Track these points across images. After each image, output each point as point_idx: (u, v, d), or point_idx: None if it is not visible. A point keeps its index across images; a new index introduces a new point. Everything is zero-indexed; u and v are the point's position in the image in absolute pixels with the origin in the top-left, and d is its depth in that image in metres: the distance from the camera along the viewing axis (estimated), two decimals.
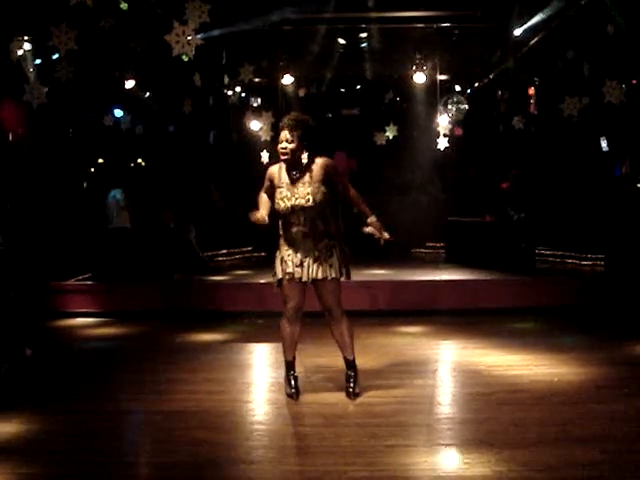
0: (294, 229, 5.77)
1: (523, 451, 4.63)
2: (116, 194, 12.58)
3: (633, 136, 13.88)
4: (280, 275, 5.84)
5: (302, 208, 5.70)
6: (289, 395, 5.95)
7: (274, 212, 5.83)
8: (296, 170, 5.76)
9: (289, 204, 5.71)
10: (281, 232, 5.90)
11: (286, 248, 5.84)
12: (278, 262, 5.88)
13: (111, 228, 12.59)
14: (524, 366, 7.04)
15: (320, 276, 5.79)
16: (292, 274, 5.79)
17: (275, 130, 14.57)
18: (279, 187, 5.79)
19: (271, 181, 5.86)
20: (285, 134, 5.67)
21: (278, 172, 5.83)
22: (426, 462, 4.50)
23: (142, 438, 5.30)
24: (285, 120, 5.76)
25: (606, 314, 9.85)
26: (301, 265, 5.78)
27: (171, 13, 9.34)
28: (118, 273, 11.96)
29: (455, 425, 5.30)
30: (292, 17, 12.36)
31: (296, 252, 5.80)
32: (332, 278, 5.84)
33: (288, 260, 5.81)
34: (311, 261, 5.78)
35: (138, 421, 5.58)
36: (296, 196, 5.71)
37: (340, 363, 6.06)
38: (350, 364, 6.04)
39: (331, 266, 5.82)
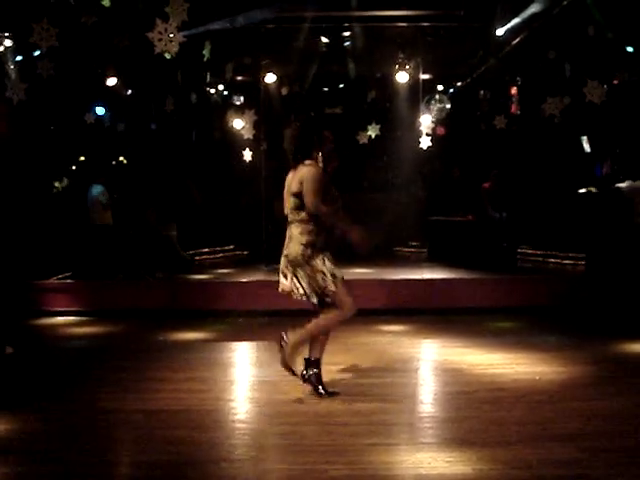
0: (327, 233, 5.78)
1: (504, 449, 4.65)
2: (96, 190, 12.51)
3: (614, 136, 13.97)
4: (339, 273, 5.75)
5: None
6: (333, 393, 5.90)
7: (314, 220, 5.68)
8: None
9: (339, 203, 5.84)
10: (319, 238, 5.73)
11: (325, 252, 5.77)
12: (328, 265, 5.72)
13: (92, 225, 12.51)
14: (505, 365, 7.07)
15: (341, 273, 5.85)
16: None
17: (257, 128, 14.57)
18: (331, 190, 5.86)
19: (323, 182, 5.74)
20: None
21: (323, 175, 5.78)
22: (407, 461, 4.51)
23: (123, 437, 5.28)
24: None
25: (587, 313, 9.92)
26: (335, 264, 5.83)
27: (153, 10, 9.29)
28: (99, 271, 11.91)
29: (436, 424, 5.32)
30: (275, 15, 12.34)
31: (326, 252, 5.81)
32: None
33: (330, 258, 5.80)
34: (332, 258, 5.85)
35: (119, 420, 5.56)
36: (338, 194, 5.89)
37: (322, 361, 6.04)
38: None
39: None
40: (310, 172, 5.64)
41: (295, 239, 5.68)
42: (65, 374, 7.10)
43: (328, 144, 5.93)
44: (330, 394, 5.88)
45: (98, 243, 12.36)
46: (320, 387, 5.91)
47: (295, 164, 5.81)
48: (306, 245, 5.63)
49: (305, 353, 6.00)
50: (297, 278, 5.69)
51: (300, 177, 5.66)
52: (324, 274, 5.64)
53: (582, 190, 12.53)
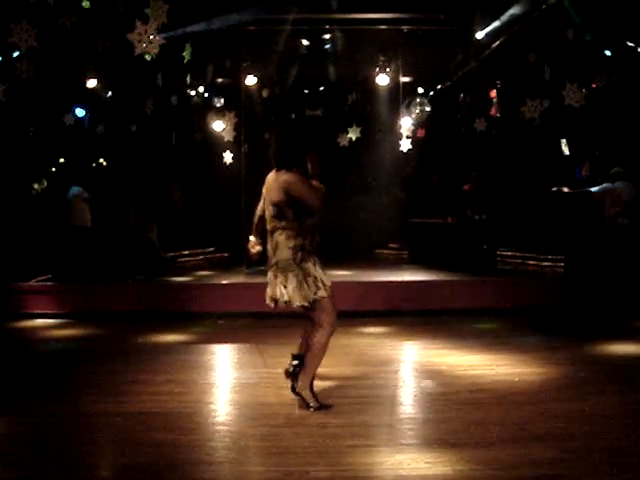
0: (315, 234, 5.72)
1: (484, 450, 4.67)
2: (75, 190, 12.46)
3: (593, 139, 14.06)
4: (329, 281, 5.67)
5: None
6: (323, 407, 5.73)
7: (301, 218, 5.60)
8: None
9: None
10: (307, 240, 5.62)
11: (315, 256, 5.68)
12: (320, 270, 5.64)
13: (71, 226, 12.45)
14: (485, 366, 7.10)
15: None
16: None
17: (238, 131, 14.54)
18: None
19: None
20: None
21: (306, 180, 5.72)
22: (388, 462, 4.52)
23: (103, 440, 5.25)
24: None
25: (566, 315, 9.98)
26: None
27: (134, 12, 9.27)
28: (79, 274, 11.84)
29: (417, 425, 5.34)
30: (256, 17, 12.33)
31: (316, 256, 5.73)
32: None
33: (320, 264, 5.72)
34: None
35: (99, 423, 5.53)
36: None
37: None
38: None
39: None
40: (293, 179, 5.53)
41: (282, 245, 5.56)
42: (44, 377, 7.05)
43: (313, 151, 5.91)
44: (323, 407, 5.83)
45: (77, 244, 12.29)
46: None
47: (279, 169, 5.68)
48: (294, 248, 5.53)
49: (294, 349, 6.00)
50: (285, 283, 5.57)
51: (282, 186, 5.52)
52: (316, 279, 5.57)
53: (554, 189, 12.59)
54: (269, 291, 5.73)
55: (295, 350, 6.10)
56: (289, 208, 5.52)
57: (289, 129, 5.91)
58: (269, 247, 5.73)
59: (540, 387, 6.28)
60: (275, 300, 5.68)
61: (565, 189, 12.51)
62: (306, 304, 5.59)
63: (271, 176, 5.74)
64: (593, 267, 11.13)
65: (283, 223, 5.58)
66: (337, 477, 4.30)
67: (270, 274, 5.71)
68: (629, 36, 11.92)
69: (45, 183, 14.52)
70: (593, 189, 11.83)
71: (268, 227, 5.70)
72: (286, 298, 5.58)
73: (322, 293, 5.57)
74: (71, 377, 6.98)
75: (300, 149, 5.75)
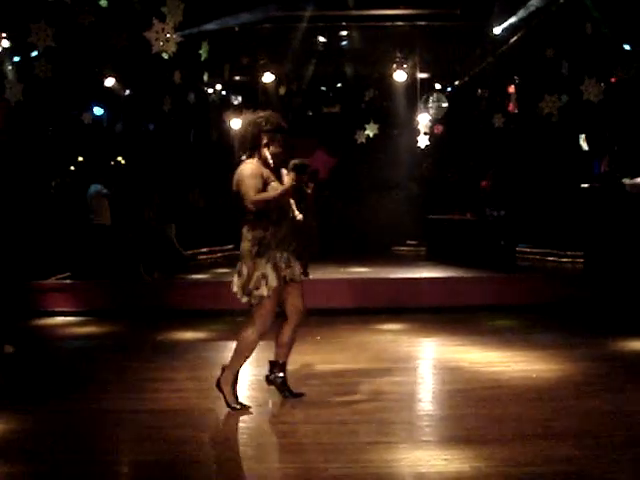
0: (284, 227, 5.56)
1: (501, 447, 4.66)
2: (95, 188, 12.52)
3: (612, 134, 13.99)
4: (275, 283, 5.46)
5: (289, 204, 5.67)
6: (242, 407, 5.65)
7: (260, 212, 5.44)
8: (276, 170, 5.68)
9: (291, 210, 5.65)
10: (268, 233, 5.47)
11: (275, 251, 5.49)
12: (270, 269, 5.45)
13: (92, 224, 12.50)
14: (503, 363, 7.08)
15: (298, 276, 5.70)
16: (285, 277, 5.57)
17: None
18: (271, 182, 5.54)
19: (262, 177, 5.47)
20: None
21: (261, 169, 5.53)
22: (407, 459, 4.52)
23: (124, 437, 5.27)
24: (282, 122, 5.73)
25: (585, 311, 9.93)
26: (290, 266, 5.60)
27: (151, 10, 9.31)
28: (98, 271, 11.91)
29: (435, 422, 5.34)
30: (273, 15, 12.36)
31: (284, 252, 5.55)
32: (302, 278, 5.79)
33: (281, 263, 5.52)
34: (293, 259, 5.65)
35: (120, 420, 5.56)
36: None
37: (320, 360, 6.07)
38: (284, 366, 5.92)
39: (299, 265, 5.74)
40: (243, 170, 5.47)
41: (243, 236, 5.52)
42: (65, 374, 7.10)
43: (277, 143, 5.65)
44: (295, 395, 5.84)
45: (97, 243, 12.36)
46: (286, 391, 5.85)
47: (239, 158, 5.62)
48: (252, 241, 5.44)
49: (271, 356, 5.96)
50: (238, 273, 5.55)
51: (236, 178, 5.50)
52: (262, 276, 5.42)
53: (585, 185, 12.43)
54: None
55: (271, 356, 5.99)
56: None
57: (245, 122, 5.76)
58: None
59: (558, 384, 6.26)
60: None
61: (597, 184, 12.35)
62: (245, 298, 5.52)
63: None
64: (614, 263, 11.06)
65: (245, 215, 5.50)
66: (355, 474, 4.31)
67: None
68: None
69: (65, 180, 14.62)
70: (626, 181, 11.65)
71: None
72: (234, 289, 5.57)
73: (261, 292, 5.42)
74: (91, 374, 7.02)
75: (248, 138, 5.62)
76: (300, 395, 5.86)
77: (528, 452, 4.55)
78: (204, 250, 16.62)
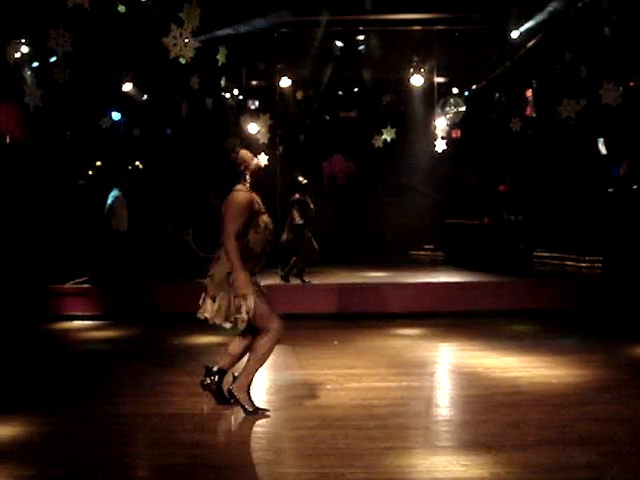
0: (263, 255, 5.62)
1: (521, 453, 4.62)
2: (115, 195, 12.55)
3: (631, 138, 13.89)
4: (252, 304, 5.37)
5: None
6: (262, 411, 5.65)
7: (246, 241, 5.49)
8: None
9: (270, 229, 5.64)
10: (248, 258, 5.47)
11: (250, 273, 5.51)
12: (251, 288, 5.42)
13: (111, 229, 12.54)
14: (522, 368, 7.04)
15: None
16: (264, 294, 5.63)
17: (273, 133, 14.59)
18: (262, 214, 5.63)
19: (252, 209, 5.54)
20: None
21: (254, 199, 5.62)
22: (424, 464, 4.49)
23: (140, 440, 5.29)
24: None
25: (604, 316, 9.87)
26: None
27: (168, 16, 9.33)
28: (115, 276, 11.93)
29: (453, 427, 5.31)
30: (290, 20, 12.38)
31: (256, 274, 5.66)
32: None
33: (255, 279, 5.61)
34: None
35: (135, 423, 5.57)
36: (270, 220, 5.72)
37: (337, 365, 6.05)
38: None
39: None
40: (233, 198, 5.54)
41: (222, 261, 5.53)
42: (81, 378, 7.13)
43: (250, 164, 5.75)
44: (225, 401, 5.77)
45: (113, 248, 12.38)
46: (216, 397, 5.83)
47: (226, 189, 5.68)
48: (229, 267, 5.45)
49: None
50: (214, 300, 5.54)
51: (226, 201, 5.57)
52: (244, 298, 5.38)
53: (611, 190, 12.24)
54: (201, 300, 5.70)
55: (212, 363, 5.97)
56: None
57: (223, 150, 5.81)
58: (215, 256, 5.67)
59: (578, 389, 6.21)
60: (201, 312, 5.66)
61: (635, 186, 12.16)
62: (228, 324, 5.52)
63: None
64: (633, 267, 10.97)
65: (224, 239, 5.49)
66: (373, 479, 4.29)
67: (206, 284, 5.67)
68: None
69: (84, 182, 14.68)
70: None
71: (220, 240, 5.59)
72: (209, 315, 5.57)
73: (242, 317, 5.40)
74: (108, 378, 7.03)
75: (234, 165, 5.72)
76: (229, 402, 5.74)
77: (548, 458, 4.51)
78: None
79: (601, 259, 12.69)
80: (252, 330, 5.62)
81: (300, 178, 11.79)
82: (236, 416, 5.62)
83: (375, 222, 17.80)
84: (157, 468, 4.65)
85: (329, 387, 6.32)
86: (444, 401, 6.20)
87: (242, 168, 5.72)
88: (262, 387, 6.64)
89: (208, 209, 15.65)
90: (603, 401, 5.83)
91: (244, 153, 5.75)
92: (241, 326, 5.47)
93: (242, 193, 5.57)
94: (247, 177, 5.72)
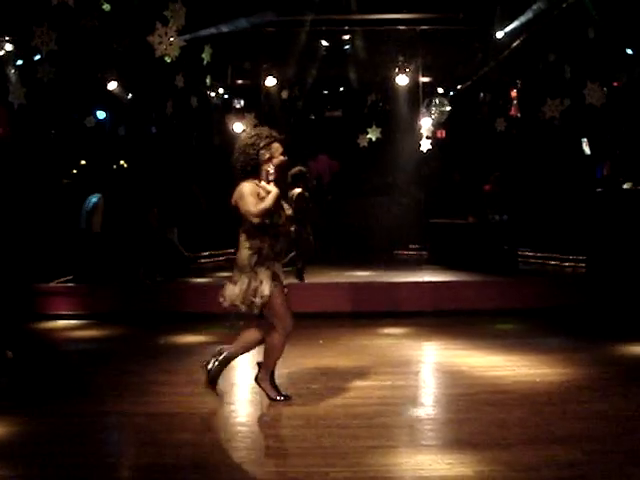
0: (281, 240, 5.75)
1: (505, 451, 4.65)
2: (96, 200, 12.51)
3: (614, 138, 13.97)
4: (267, 292, 5.54)
5: (287, 218, 5.78)
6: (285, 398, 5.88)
7: (259, 228, 5.60)
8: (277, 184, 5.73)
9: (284, 215, 5.75)
10: (265, 246, 5.62)
11: (273, 260, 5.67)
12: (268, 278, 5.57)
13: (91, 232, 12.51)
14: (506, 367, 7.06)
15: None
16: (284, 285, 5.74)
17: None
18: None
19: (258, 195, 5.60)
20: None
21: (258, 188, 5.66)
22: (408, 463, 4.51)
23: (124, 440, 5.29)
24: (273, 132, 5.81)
25: (588, 315, 9.91)
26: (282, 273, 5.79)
27: (153, 14, 9.31)
28: (99, 275, 11.89)
29: (437, 426, 5.33)
30: (275, 19, 12.37)
31: (276, 263, 5.73)
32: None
33: (279, 272, 5.70)
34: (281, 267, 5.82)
35: (121, 423, 5.56)
36: (285, 207, 5.81)
37: (322, 364, 6.06)
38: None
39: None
40: (242, 188, 5.61)
41: (242, 245, 5.69)
42: (66, 378, 7.10)
43: (278, 159, 5.78)
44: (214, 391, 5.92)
45: (97, 250, 12.34)
46: (211, 383, 5.92)
47: (240, 179, 5.73)
48: (253, 251, 5.61)
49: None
50: (236, 282, 5.66)
51: (235, 197, 5.67)
52: (260, 285, 5.55)
53: (626, 186, 12.23)
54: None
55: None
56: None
57: (246, 139, 5.82)
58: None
59: (561, 388, 6.24)
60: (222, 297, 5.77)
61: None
62: (244, 307, 5.63)
63: None
64: (616, 267, 11.04)
65: (246, 225, 5.67)
66: (357, 478, 4.30)
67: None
68: None
69: (67, 182, 14.62)
70: None
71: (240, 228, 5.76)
72: (227, 296, 5.70)
73: (257, 301, 5.55)
74: (93, 377, 7.01)
75: (249, 161, 5.72)
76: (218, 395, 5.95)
77: (532, 456, 4.54)
78: (206, 253, 16.60)
79: (585, 258, 12.76)
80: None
81: (302, 169, 11.57)
82: (220, 415, 5.63)
83: (360, 222, 17.82)
84: (142, 468, 4.64)
85: (314, 386, 6.32)
86: (428, 400, 6.22)
87: (266, 158, 5.73)
88: (247, 386, 6.64)
89: (193, 207, 15.68)
90: (587, 399, 5.86)
91: (277, 146, 5.80)
92: (255, 310, 5.63)
93: (247, 185, 5.64)
94: (268, 170, 5.73)
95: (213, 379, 5.88)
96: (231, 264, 16.10)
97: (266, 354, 5.83)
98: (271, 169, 5.72)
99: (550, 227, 14.24)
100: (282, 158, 5.81)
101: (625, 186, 11.96)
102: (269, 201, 5.51)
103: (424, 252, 16.15)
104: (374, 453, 4.66)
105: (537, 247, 14.77)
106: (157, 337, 9.02)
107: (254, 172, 5.71)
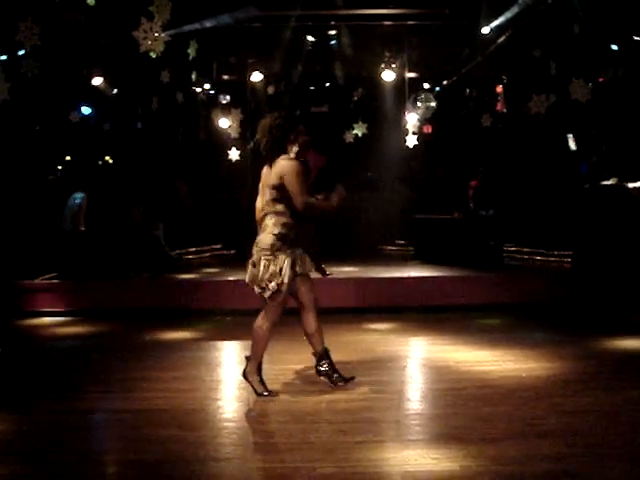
0: (306, 225, 5.89)
1: (491, 446, 4.66)
2: (80, 198, 12.45)
3: (599, 134, 14.03)
4: (287, 279, 5.63)
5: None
6: (271, 394, 5.91)
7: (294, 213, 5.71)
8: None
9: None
10: (293, 230, 5.71)
11: (295, 247, 5.75)
12: (288, 265, 5.64)
13: (75, 230, 12.44)
14: (492, 362, 7.08)
15: (309, 269, 5.97)
16: (297, 272, 5.79)
17: (244, 127, 14.56)
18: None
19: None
20: None
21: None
22: (395, 458, 4.51)
23: (110, 436, 5.27)
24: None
25: (573, 310, 9.96)
26: (303, 261, 5.88)
27: (138, 9, 9.27)
28: (84, 272, 11.83)
29: (424, 420, 5.33)
30: (261, 14, 12.34)
31: (299, 248, 5.83)
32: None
33: (297, 259, 5.77)
34: (304, 254, 5.92)
35: (107, 419, 5.55)
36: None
37: (308, 359, 6.06)
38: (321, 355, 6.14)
39: (309, 259, 6.00)
40: (292, 167, 5.65)
41: (268, 229, 5.70)
42: (52, 374, 7.07)
43: (302, 138, 5.94)
44: (346, 380, 6.09)
45: (81, 247, 12.27)
46: (335, 375, 6.09)
47: (271, 158, 5.78)
48: (277, 236, 5.64)
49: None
50: (255, 264, 5.71)
51: (280, 171, 5.66)
52: (280, 271, 5.62)
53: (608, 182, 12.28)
54: (249, 269, 5.84)
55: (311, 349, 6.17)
56: (284, 193, 5.65)
57: (279, 117, 5.87)
58: (259, 229, 5.86)
59: (547, 382, 6.27)
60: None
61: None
62: (257, 289, 5.73)
63: (266, 168, 5.85)
64: (601, 262, 11.09)
65: (278, 207, 5.70)
66: (344, 473, 4.30)
67: (253, 254, 5.81)
68: (635, 30, 11.89)
69: (53, 177, 14.55)
70: (630, 185, 11.58)
71: (260, 213, 5.82)
72: (248, 278, 5.77)
73: (273, 286, 5.63)
74: (78, 374, 6.98)
75: (289, 135, 5.81)
76: (351, 379, 6.13)
77: (518, 450, 4.55)
78: (192, 249, 16.57)
79: (570, 254, 12.80)
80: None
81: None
82: (206, 411, 5.61)
83: (346, 217, 17.81)
84: (127, 464, 4.62)
85: (300, 382, 6.32)
86: (415, 395, 6.23)
87: (292, 137, 5.84)
88: (233, 382, 6.63)
89: (179, 203, 15.63)
90: (572, 394, 5.88)
91: (302, 128, 5.98)
92: (267, 294, 5.68)
93: (295, 161, 5.74)
94: (293, 148, 5.84)
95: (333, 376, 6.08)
96: (216, 260, 16.14)
97: (254, 344, 5.89)
98: (296, 149, 5.84)
99: (536, 222, 14.28)
100: (306, 138, 6.03)
101: (610, 182, 12.01)
102: (324, 206, 5.83)
103: (410, 247, 16.16)
104: (361, 448, 4.67)
105: (523, 242, 14.81)
106: (143, 333, 8.99)
107: (280, 152, 5.76)
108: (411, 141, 15.47)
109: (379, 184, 18.27)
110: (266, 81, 15.88)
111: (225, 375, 7.14)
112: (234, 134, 15.05)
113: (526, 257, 14.59)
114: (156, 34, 8.86)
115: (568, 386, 6.13)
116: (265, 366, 5.99)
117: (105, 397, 6.08)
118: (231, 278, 11.76)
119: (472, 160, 15.45)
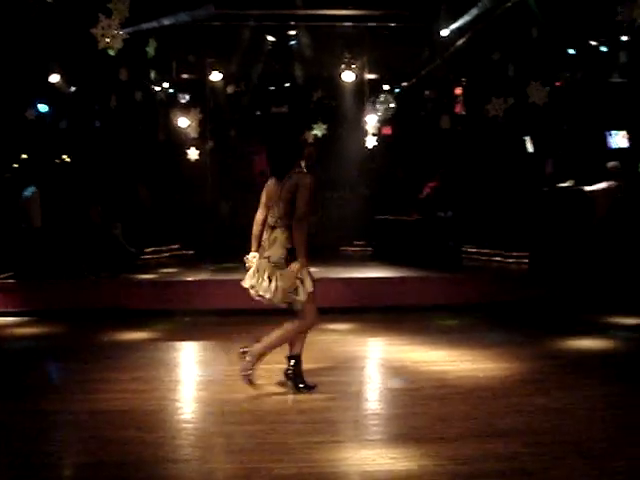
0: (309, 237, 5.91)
1: (448, 445, 4.69)
2: (32, 191, 12.29)
3: (556, 137, 14.19)
4: (311, 288, 5.86)
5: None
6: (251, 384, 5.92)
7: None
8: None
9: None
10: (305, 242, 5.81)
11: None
12: (307, 275, 5.87)
13: (30, 226, 12.29)
14: (450, 362, 7.14)
15: None
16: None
17: (203, 127, 14.49)
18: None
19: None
20: None
21: None
22: (353, 458, 4.52)
23: (68, 438, 5.20)
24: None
25: (530, 311, 10.07)
26: None
27: (97, 6, 9.19)
28: (41, 272, 11.68)
29: (382, 421, 5.35)
30: (220, 13, 12.28)
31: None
32: None
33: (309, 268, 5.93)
34: None
35: (63, 421, 5.48)
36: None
37: (265, 360, 6.05)
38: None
39: None
40: (306, 180, 5.78)
41: (280, 243, 5.79)
42: (7, 375, 6.97)
43: (307, 149, 6.15)
44: (309, 388, 6.06)
45: (36, 245, 12.12)
46: (299, 382, 6.08)
47: (282, 174, 5.89)
48: (290, 250, 5.75)
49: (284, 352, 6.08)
50: (272, 279, 5.77)
51: (295, 182, 5.76)
52: (301, 281, 5.77)
53: (564, 184, 12.44)
54: (252, 281, 5.90)
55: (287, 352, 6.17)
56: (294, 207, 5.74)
57: (290, 136, 6.03)
58: (265, 238, 5.92)
59: (504, 382, 6.33)
60: (253, 288, 5.90)
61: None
62: (284, 304, 5.87)
63: (272, 182, 6.00)
64: (557, 263, 11.23)
65: (290, 221, 5.76)
66: (303, 474, 4.30)
67: (257, 262, 5.88)
68: (592, 35, 12.06)
69: (7, 176, 14.35)
70: (587, 188, 11.74)
71: (271, 222, 5.89)
72: (269, 295, 5.79)
73: (300, 297, 5.78)
74: (35, 375, 6.90)
75: (299, 154, 6.00)
76: (313, 387, 6.11)
77: (475, 450, 4.59)
78: (150, 250, 16.43)
79: (527, 255, 12.94)
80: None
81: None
82: (164, 412, 5.58)
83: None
84: (86, 466, 4.57)
85: (259, 382, 6.30)
86: (373, 395, 6.25)
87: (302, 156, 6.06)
88: (191, 383, 6.60)
89: (138, 203, 15.51)
90: (528, 393, 5.95)
91: (309, 134, 6.17)
92: (298, 306, 5.85)
93: (308, 176, 5.87)
94: (301, 162, 6.00)
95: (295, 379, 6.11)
96: (175, 261, 15.99)
97: (277, 339, 5.97)
98: (303, 162, 6.01)
99: (494, 224, 14.40)
100: (311, 149, 6.37)
101: (566, 184, 12.17)
102: (302, 248, 5.76)
103: (369, 248, 16.21)
104: (319, 449, 4.67)
105: (481, 243, 14.93)
106: (101, 334, 8.91)
107: (295, 167, 5.90)
108: (370, 142, 15.51)
109: (339, 185, 18.28)
110: (226, 81, 15.82)
111: (184, 376, 7.10)
112: (193, 134, 14.96)
113: (484, 258, 14.71)
114: (114, 31, 8.79)
115: (524, 386, 6.21)
116: (224, 367, 5.96)
117: (62, 398, 6.00)
118: (189, 278, 11.71)
119: (431, 161, 15.53)
